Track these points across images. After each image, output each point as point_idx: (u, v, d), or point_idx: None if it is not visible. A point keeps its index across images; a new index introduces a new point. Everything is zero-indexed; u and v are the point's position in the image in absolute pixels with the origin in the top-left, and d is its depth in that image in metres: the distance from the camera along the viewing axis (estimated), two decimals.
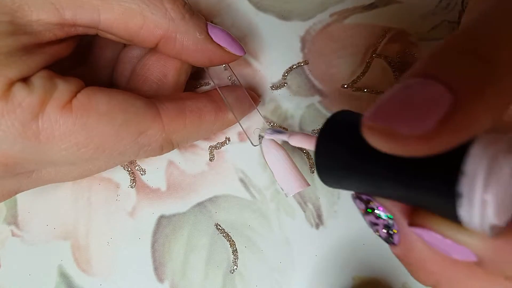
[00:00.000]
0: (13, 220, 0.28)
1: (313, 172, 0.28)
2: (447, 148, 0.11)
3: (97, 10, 0.20)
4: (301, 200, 0.27)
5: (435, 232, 0.14)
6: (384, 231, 0.16)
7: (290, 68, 0.29)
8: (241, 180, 0.28)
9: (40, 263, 0.27)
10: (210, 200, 0.28)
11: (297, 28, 0.30)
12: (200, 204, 0.28)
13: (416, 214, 0.15)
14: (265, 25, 0.30)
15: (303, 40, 0.30)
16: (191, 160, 0.28)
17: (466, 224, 0.12)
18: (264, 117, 0.28)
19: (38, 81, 0.19)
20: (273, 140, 0.24)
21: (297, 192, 0.27)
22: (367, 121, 0.12)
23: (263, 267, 0.27)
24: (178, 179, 0.28)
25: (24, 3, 0.19)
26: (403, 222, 0.15)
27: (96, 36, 0.26)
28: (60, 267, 0.27)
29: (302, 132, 0.20)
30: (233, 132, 0.29)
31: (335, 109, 0.28)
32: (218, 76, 0.29)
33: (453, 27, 0.30)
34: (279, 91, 0.29)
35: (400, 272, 0.26)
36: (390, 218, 0.16)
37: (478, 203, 0.12)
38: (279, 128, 0.22)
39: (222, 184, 0.28)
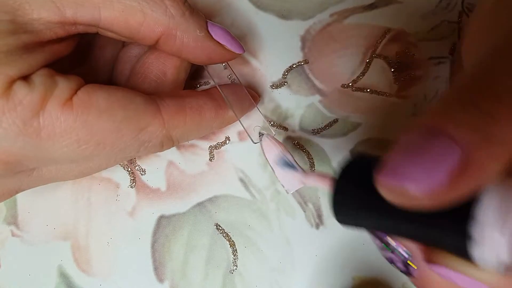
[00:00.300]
0: (13, 220, 0.28)
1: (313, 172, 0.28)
2: (458, 201, 0.12)
3: (97, 8, 0.20)
4: (301, 200, 0.27)
5: (451, 270, 0.14)
6: (402, 265, 0.17)
7: (290, 67, 0.29)
8: (241, 180, 0.28)
9: (40, 263, 0.27)
10: (210, 200, 0.28)
11: (297, 27, 0.30)
12: (200, 204, 0.28)
13: (432, 251, 0.15)
14: (265, 24, 0.30)
15: (303, 40, 0.30)
16: (191, 160, 0.28)
17: (480, 265, 0.13)
18: (264, 116, 0.28)
19: (38, 79, 0.19)
20: (272, 137, 0.24)
21: (297, 191, 0.28)
22: (380, 178, 0.13)
23: (263, 267, 0.27)
24: (178, 179, 0.28)
25: (25, 2, 0.19)
26: (420, 258, 0.16)
27: (95, 36, 0.26)
28: (60, 267, 0.27)
29: (315, 172, 0.20)
30: (233, 132, 0.29)
31: (335, 109, 0.28)
32: (218, 75, 0.29)
33: (453, 27, 0.30)
34: (279, 90, 0.29)
35: (400, 272, 0.26)
36: (407, 253, 0.16)
37: (488, 244, 0.12)
38: (290, 160, 0.22)
39: (222, 184, 0.28)
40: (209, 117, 0.24)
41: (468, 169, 0.11)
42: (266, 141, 0.24)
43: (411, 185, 0.12)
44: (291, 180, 0.23)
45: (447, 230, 0.13)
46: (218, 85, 0.25)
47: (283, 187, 0.23)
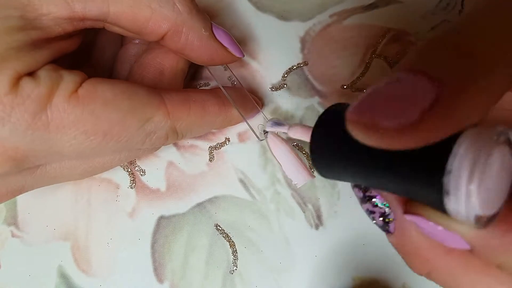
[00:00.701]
0: (13, 221, 0.28)
1: (313, 172, 0.28)
2: (431, 142, 0.11)
3: (106, 2, 0.21)
4: (301, 200, 0.27)
5: (428, 220, 0.14)
6: (381, 219, 0.16)
7: (289, 69, 0.29)
8: (241, 181, 0.28)
9: (40, 264, 0.27)
10: (210, 200, 0.28)
11: (297, 28, 0.30)
12: (199, 205, 0.28)
13: (411, 203, 0.15)
14: (264, 25, 0.30)
15: (303, 41, 0.30)
16: (190, 161, 0.28)
17: (454, 216, 0.13)
18: (264, 118, 0.28)
19: (44, 73, 0.19)
20: (277, 135, 0.24)
21: (297, 192, 0.28)
22: (350, 115, 0.12)
23: (262, 267, 0.27)
24: (178, 180, 0.28)
25: None
26: (398, 210, 0.15)
27: (95, 36, 0.26)
28: (60, 268, 0.27)
29: (301, 124, 0.20)
30: (233, 133, 0.29)
31: None
32: (218, 76, 0.29)
33: None
34: (278, 92, 0.29)
35: (400, 272, 0.26)
36: (386, 206, 0.16)
37: (463, 196, 0.12)
38: (279, 120, 0.23)
39: (221, 184, 0.28)
40: (212, 111, 0.24)
41: (442, 109, 0.11)
42: (271, 137, 0.24)
43: (382, 120, 0.11)
44: (299, 174, 0.23)
45: (423, 182, 0.13)
46: (221, 86, 0.26)
47: (292, 181, 0.23)
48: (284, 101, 0.29)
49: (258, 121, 0.28)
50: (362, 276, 0.26)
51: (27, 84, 0.18)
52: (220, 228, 0.27)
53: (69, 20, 0.20)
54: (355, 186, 0.17)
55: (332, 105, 0.17)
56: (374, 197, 0.16)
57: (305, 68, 0.29)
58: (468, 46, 0.12)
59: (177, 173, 0.28)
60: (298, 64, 0.29)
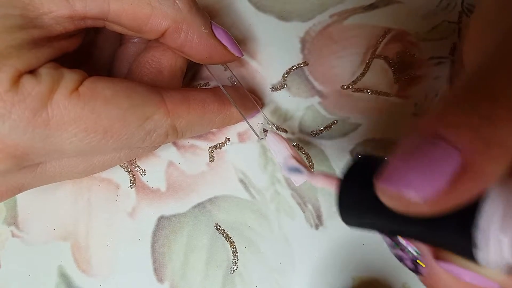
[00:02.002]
0: (13, 221, 0.28)
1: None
2: (459, 205, 0.12)
3: (107, 0, 0.21)
4: (301, 200, 0.27)
5: (459, 267, 0.14)
6: (411, 263, 0.17)
7: (290, 69, 0.29)
8: (241, 181, 0.28)
9: (40, 264, 0.27)
10: (210, 200, 0.28)
11: (297, 29, 0.30)
12: (200, 205, 0.28)
13: (441, 249, 0.15)
14: (265, 25, 0.30)
15: (303, 41, 0.30)
16: (191, 161, 0.28)
17: (484, 266, 0.13)
18: (265, 118, 0.28)
19: (45, 71, 0.19)
20: (277, 133, 0.24)
21: (297, 192, 0.28)
22: (379, 184, 0.12)
23: (263, 267, 0.27)
24: (178, 180, 0.28)
25: None
26: (429, 255, 0.16)
27: (94, 36, 0.26)
28: (60, 268, 0.27)
29: (323, 172, 0.20)
30: (233, 133, 0.29)
31: (335, 110, 0.28)
32: (218, 76, 0.29)
33: (453, 27, 0.29)
34: (278, 92, 0.29)
35: (400, 272, 0.26)
36: (417, 252, 0.16)
37: (493, 249, 0.12)
38: (297, 166, 0.22)
39: (222, 184, 0.28)
40: (212, 110, 0.24)
41: (468, 174, 0.11)
42: (271, 137, 0.24)
43: (410, 192, 0.12)
44: (299, 173, 0.23)
45: (451, 234, 0.13)
46: (221, 85, 0.26)
47: (292, 180, 0.23)
48: (284, 101, 0.29)
49: (258, 120, 0.28)
50: (362, 276, 0.26)
51: (28, 82, 0.18)
52: (220, 228, 0.27)
53: (70, 19, 0.21)
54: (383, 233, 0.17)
55: (359, 157, 0.17)
56: (404, 245, 0.16)
57: (305, 68, 0.29)
58: (486, 109, 0.12)
59: (177, 173, 0.28)
60: (298, 64, 0.29)
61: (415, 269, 0.17)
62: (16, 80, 0.18)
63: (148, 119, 0.22)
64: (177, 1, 0.22)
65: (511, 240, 0.12)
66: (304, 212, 0.27)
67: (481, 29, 0.18)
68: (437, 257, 0.15)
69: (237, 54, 0.25)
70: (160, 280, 0.27)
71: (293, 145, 0.28)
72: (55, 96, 0.19)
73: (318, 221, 0.27)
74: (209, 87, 0.29)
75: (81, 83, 0.20)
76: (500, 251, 0.12)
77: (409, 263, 0.17)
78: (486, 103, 0.12)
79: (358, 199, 0.16)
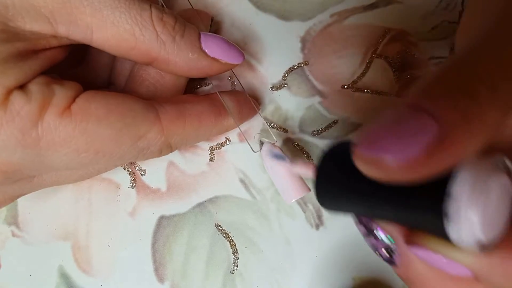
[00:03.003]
0: (13, 220, 0.28)
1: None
2: (434, 175, 0.12)
3: (90, 28, 0.20)
4: (301, 201, 0.27)
5: (430, 251, 0.14)
6: (385, 252, 0.17)
7: (290, 68, 0.29)
8: (242, 181, 0.28)
9: (41, 264, 0.27)
10: (211, 200, 0.28)
11: (297, 28, 0.30)
12: (200, 205, 0.28)
13: (413, 234, 0.15)
14: (265, 25, 0.30)
15: (303, 41, 0.30)
16: (191, 161, 0.28)
17: (456, 243, 0.13)
18: (265, 118, 0.28)
19: (35, 87, 0.19)
20: (273, 145, 0.24)
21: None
22: (356, 149, 0.13)
23: (263, 267, 0.27)
24: (179, 180, 0.28)
25: (18, 13, 0.19)
26: (402, 242, 0.16)
27: None
28: (60, 268, 0.27)
29: (301, 159, 0.21)
30: (233, 133, 0.29)
31: (335, 110, 0.28)
32: (218, 77, 0.29)
33: (453, 27, 0.30)
34: (279, 92, 0.29)
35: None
36: (390, 239, 0.16)
37: (464, 222, 0.12)
38: (279, 152, 0.22)
39: (222, 184, 0.28)
40: (208, 123, 0.24)
41: (444, 145, 0.11)
42: (266, 149, 0.23)
43: (386, 156, 0.12)
44: (290, 190, 0.23)
45: (424, 209, 0.13)
46: (219, 92, 0.25)
47: (282, 197, 0.23)
48: (285, 101, 0.29)
49: (258, 125, 0.28)
50: (362, 276, 0.26)
51: (17, 100, 0.18)
52: (220, 228, 0.27)
53: (54, 37, 0.20)
54: (358, 222, 0.18)
55: (335, 142, 0.17)
56: (377, 230, 0.17)
57: (305, 67, 0.29)
58: (468, 86, 0.12)
59: (177, 173, 0.28)
60: (298, 63, 0.29)
61: (390, 259, 0.17)
62: (5, 97, 0.18)
63: (141, 138, 0.21)
64: (159, 34, 0.21)
65: (480, 212, 0.12)
66: (304, 212, 0.27)
67: (472, 14, 0.19)
68: (410, 242, 0.15)
69: (235, 61, 0.24)
70: (161, 280, 0.27)
71: (294, 145, 0.28)
72: (45, 116, 0.19)
73: (318, 221, 0.27)
74: (209, 87, 0.29)
75: (73, 99, 0.20)
76: (471, 228, 0.12)
77: (383, 253, 0.17)
78: (469, 81, 0.12)
79: (334, 181, 0.16)
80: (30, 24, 0.19)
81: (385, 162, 0.12)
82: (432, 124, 0.11)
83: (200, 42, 0.23)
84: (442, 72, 0.13)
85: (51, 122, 0.19)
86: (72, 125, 0.19)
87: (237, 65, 0.24)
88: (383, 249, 0.17)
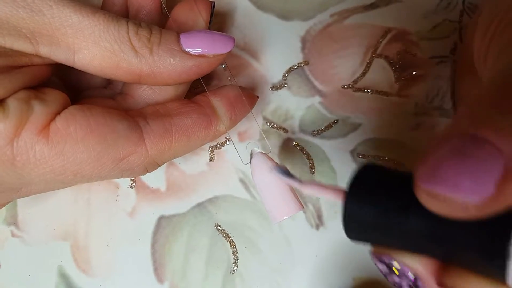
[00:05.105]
0: (13, 220, 0.28)
1: (313, 173, 0.28)
2: (502, 210, 0.11)
3: (72, 49, 0.20)
4: (301, 201, 0.27)
5: None
6: None
7: (290, 68, 0.29)
8: (241, 181, 0.28)
9: (40, 264, 0.27)
10: (210, 200, 0.28)
11: (298, 28, 0.30)
12: (200, 205, 0.28)
13: (445, 272, 0.15)
14: (265, 25, 0.30)
15: (304, 40, 0.30)
16: (191, 161, 0.28)
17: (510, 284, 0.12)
18: (264, 118, 0.28)
19: (14, 103, 0.18)
20: (265, 156, 0.22)
21: (297, 192, 0.27)
22: (422, 184, 0.12)
23: (263, 267, 0.27)
24: (178, 180, 0.28)
25: None
26: (430, 281, 0.15)
27: None
28: (60, 268, 0.27)
29: (314, 181, 0.19)
30: (233, 133, 0.28)
31: (335, 110, 0.28)
32: (218, 77, 0.29)
33: (454, 26, 0.29)
34: (279, 91, 0.29)
35: None
36: (414, 277, 0.15)
37: None
38: (287, 169, 0.20)
39: (222, 184, 0.28)
40: (197, 137, 0.23)
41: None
42: (256, 161, 0.22)
43: (459, 194, 0.11)
44: (282, 207, 0.21)
45: (477, 246, 0.12)
46: (210, 93, 0.24)
47: (270, 215, 0.21)
48: (285, 101, 0.29)
49: (256, 126, 0.28)
50: (362, 276, 0.26)
51: None
52: (220, 228, 0.27)
53: (37, 56, 0.20)
54: (378, 260, 0.16)
55: (363, 166, 0.16)
56: (402, 270, 0.16)
57: (305, 67, 0.29)
58: None
59: (177, 173, 0.28)
60: (298, 63, 0.29)
61: None
62: None
63: (123, 160, 0.21)
64: (137, 49, 0.20)
65: None
66: (304, 212, 0.27)
67: (496, 14, 0.18)
68: (442, 284, 0.14)
69: (223, 51, 0.22)
70: (160, 280, 0.27)
71: (293, 145, 0.28)
72: (22, 134, 0.18)
73: (318, 221, 0.27)
74: (209, 86, 0.29)
75: (54, 116, 0.19)
76: None
77: None
78: None
79: (366, 212, 0.15)
80: (10, 42, 0.18)
81: (460, 200, 0.11)
82: (498, 157, 0.11)
83: (179, 45, 0.21)
84: (491, 95, 0.12)
85: (28, 141, 0.18)
86: (48, 146, 0.19)
87: (226, 54, 0.23)
88: (406, 286, 0.16)
